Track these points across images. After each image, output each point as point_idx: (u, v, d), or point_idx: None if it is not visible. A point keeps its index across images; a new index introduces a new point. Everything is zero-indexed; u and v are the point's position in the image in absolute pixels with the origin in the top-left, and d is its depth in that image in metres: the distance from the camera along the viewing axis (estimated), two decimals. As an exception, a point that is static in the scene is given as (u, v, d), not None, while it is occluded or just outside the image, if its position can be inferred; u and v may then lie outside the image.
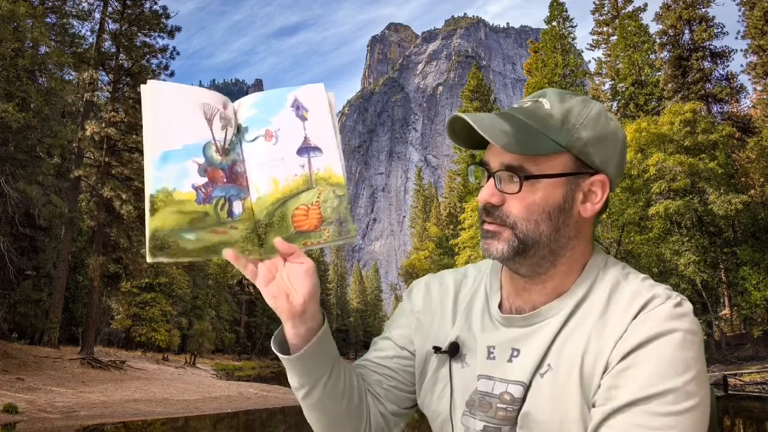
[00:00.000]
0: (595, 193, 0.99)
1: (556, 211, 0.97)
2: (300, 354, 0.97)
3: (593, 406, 0.91)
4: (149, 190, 0.87)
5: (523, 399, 0.97)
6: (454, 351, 1.07)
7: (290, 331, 0.97)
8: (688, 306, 0.92)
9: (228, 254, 0.90)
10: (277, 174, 0.96)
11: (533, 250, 0.98)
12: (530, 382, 0.97)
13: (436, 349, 1.08)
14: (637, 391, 0.86)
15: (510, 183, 0.97)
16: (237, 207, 0.93)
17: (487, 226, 1.00)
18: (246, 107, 1.00)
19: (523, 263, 0.99)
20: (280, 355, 0.99)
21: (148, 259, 0.86)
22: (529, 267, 1.00)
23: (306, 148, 0.97)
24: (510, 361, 1.00)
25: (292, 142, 0.97)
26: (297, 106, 1.00)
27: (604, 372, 0.91)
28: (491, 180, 0.98)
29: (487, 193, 0.98)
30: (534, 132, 0.95)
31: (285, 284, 0.94)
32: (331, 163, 0.98)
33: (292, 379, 1.02)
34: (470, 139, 1.03)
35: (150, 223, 0.86)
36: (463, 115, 0.95)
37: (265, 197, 0.95)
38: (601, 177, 0.99)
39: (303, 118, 0.99)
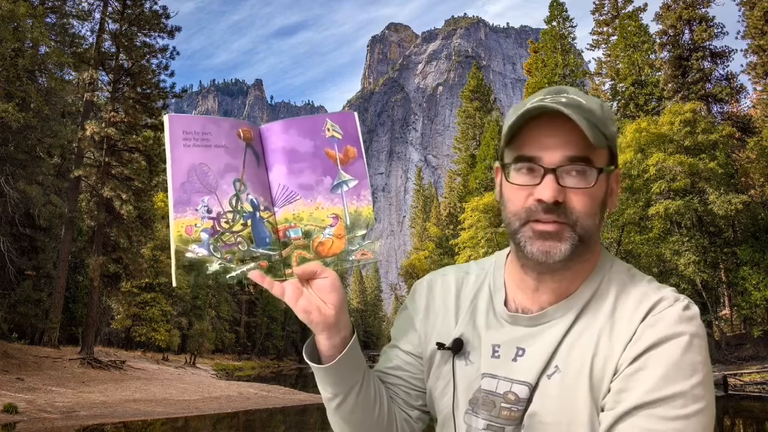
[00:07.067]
0: (614, 188, 1.02)
1: (602, 205, 0.98)
2: (336, 361, 0.98)
3: (602, 409, 0.91)
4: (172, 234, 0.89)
5: (529, 399, 0.97)
6: (457, 348, 1.06)
7: (325, 342, 0.98)
8: (695, 309, 0.92)
9: (254, 275, 0.91)
10: (304, 208, 0.96)
11: (584, 246, 0.96)
12: (536, 383, 0.96)
13: (440, 346, 1.07)
14: (646, 394, 0.86)
15: (573, 177, 0.94)
16: (261, 241, 0.94)
17: (545, 227, 0.95)
18: (279, 132, 0.99)
19: (567, 263, 0.97)
20: (315, 366, 1.00)
21: (175, 283, 0.88)
22: (567, 264, 0.97)
23: (338, 183, 0.98)
24: (515, 360, 1.00)
25: (322, 175, 0.98)
26: (330, 137, 0.99)
27: (614, 375, 0.91)
28: (550, 176, 0.93)
29: (555, 189, 0.93)
30: (593, 124, 0.93)
31: (314, 298, 0.95)
32: (362, 196, 0.98)
33: (326, 389, 1.03)
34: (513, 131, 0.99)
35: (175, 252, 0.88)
36: (566, 111, 0.90)
37: (293, 236, 0.96)
38: (618, 171, 1.02)
39: (334, 149, 0.99)
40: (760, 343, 29.05)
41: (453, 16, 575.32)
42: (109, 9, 31.58)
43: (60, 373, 23.21)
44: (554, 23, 42.34)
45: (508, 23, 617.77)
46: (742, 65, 43.19)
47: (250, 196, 0.94)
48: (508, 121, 0.99)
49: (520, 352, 1.00)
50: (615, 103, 38.41)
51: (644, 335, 0.90)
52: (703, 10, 35.78)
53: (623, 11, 41.30)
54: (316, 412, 21.11)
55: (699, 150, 29.16)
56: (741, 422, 18.29)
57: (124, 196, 28.19)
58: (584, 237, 0.95)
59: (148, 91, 31.75)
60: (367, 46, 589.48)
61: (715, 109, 35.37)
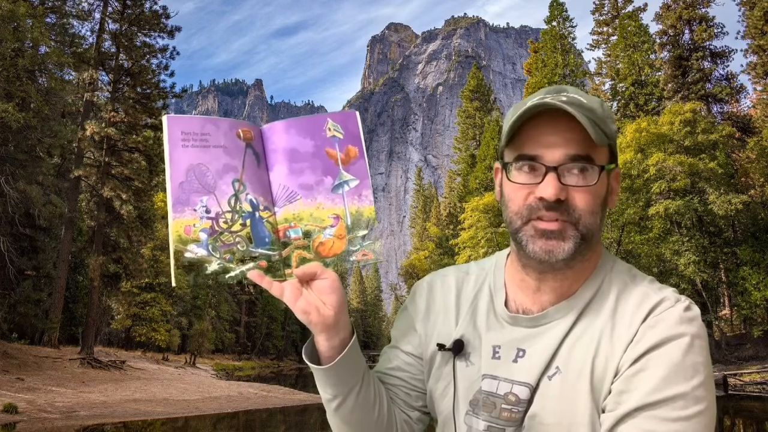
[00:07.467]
0: (614, 187, 1.02)
1: (603, 203, 0.98)
2: (335, 363, 0.97)
3: (603, 410, 0.91)
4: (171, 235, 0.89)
5: (530, 401, 0.96)
6: (458, 349, 1.06)
7: (324, 343, 0.97)
8: (696, 310, 0.91)
9: (253, 275, 0.91)
10: (305, 208, 0.96)
11: (586, 245, 0.96)
12: (537, 384, 0.96)
13: (440, 347, 1.07)
14: (647, 395, 0.85)
15: (575, 175, 0.94)
16: (261, 241, 0.94)
17: (547, 225, 0.94)
18: (280, 132, 0.99)
19: (569, 262, 0.96)
20: (314, 367, 0.99)
21: (174, 283, 0.89)
22: (569, 263, 0.97)
23: (339, 183, 0.97)
24: (515, 361, 1.00)
25: (323, 175, 0.97)
26: (331, 136, 0.99)
27: (615, 376, 0.91)
28: (552, 174, 0.93)
29: (557, 187, 0.92)
30: (594, 122, 0.93)
31: (313, 299, 0.94)
32: (363, 196, 0.98)
33: (325, 390, 1.02)
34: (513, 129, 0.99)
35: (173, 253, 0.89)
36: (568, 108, 0.90)
37: (293, 236, 0.96)
38: (618, 170, 1.02)
39: (335, 149, 0.99)
40: (760, 343, 29.05)
41: (453, 16, 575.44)
42: (109, 9, 31.58)
43: (60, 373, 23.21)
44: (554, 23, 42.34)
45: (508, 23, 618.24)
46: (742, 65, 43.21)
47: (249, 196, 0.94)
48: (508, 120, 0.98)
49: (521, 353, 1.00)
50: (615, 103, 38.41)
51: (645, 336, 0.90)
52: (703, 10, 35.79)
53: (623, 11, 41.30)
54: (316, 412, 21.11)
55: (699, 150, 29.16)
56: (741, 422, 18.28)
57: (124, 196, 28.19)
58: (587, 235, 0.95)
59: (148, 91, 31.75)
60: (367, 46, 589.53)
61: (715, 109, 35.37)
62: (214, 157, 0.92)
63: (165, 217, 46.06)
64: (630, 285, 0.98)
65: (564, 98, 0.94)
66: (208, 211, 0.90)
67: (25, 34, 22.94)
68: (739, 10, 34.87)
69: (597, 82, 43.92)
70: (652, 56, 37.32)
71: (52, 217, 26.44)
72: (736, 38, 35.14)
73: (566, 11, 42.67)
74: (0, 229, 23.06)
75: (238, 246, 0.91)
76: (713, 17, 35.82)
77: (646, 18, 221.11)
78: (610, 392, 0.91)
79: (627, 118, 35.56)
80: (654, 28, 61.15)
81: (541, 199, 0.94)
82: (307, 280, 0.95)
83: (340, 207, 0.97)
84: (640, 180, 29.81)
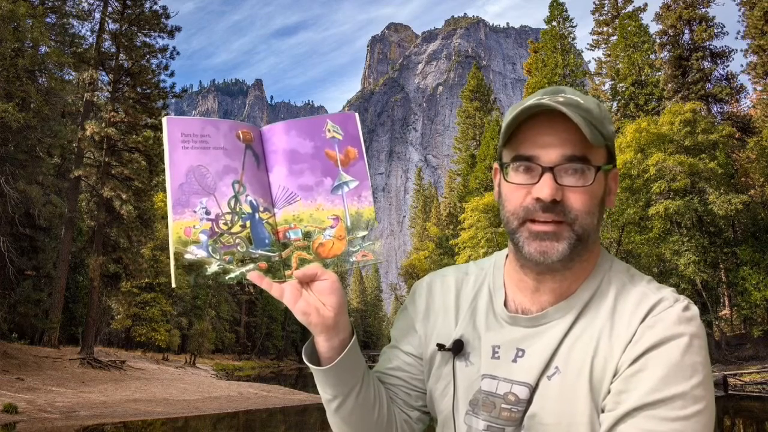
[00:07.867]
0: (612, 187, 1.02)
1: (601, 204, 0.98)
2: (335, 364, 0.98)
3: (603, 410, 0.91)
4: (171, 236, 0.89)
5: (529, 400, 0.96)
6: (458, 349, 1.06)
7: (324, 344, 0.98)
8: (695, 310, 0.92)
9: (253, 276, 0.91)
10: (305, 209, 0.97)
11: (583, 245, 0.96)
12: (537, 384, 0.96)
13: (440, 347, 1.07)
14: (646, 395, 0.86)
15: (571, 176, 0.94)
16: (260, 243, 0.94)
17: (542, 227, 0.95)
18: (280, 134, 0.99)
19: (566, 263, 0.97)
20: (314, 368, 1.00)
21: (174, 284, 0.89)
22: (566, 264, 0.97)
23: (338, 184, 0.98)
24: (515, 361, 1.00)
25: (322, 176, 0.98)
26: (330, 137, 0.99)
27: (614, 376, 0.91)
28: (548, 175, 0.93)
29: (553, 187, 0.92)
30: (590, 123, 0.93)
31: (313, 300, 0.95)
32: (363, 197, 0.98)
33: (325, 390, 1.02)
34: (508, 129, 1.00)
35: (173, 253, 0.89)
36: (563, 109, 0.91)
37: (293, 237, 0.97)
38: (616, 170, 1.02)
39: (334, 150, 0.99)
40: (760, 343, 29.04)
41: (453, 16, 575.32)
42: (109, 9, 31.57)
43: (60, 373, 23.21)
44: (554, 23, 42.33)
45: (508, 23, 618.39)
46: (742, 65, 43.21)
47: (249, 198, 0.94)
48: (506, 121, 0.98)
49: (520, 353, 1.00)
50: (615, 103, 38.40)
51: (644, 336, 0.90)
52: (703, 10, 35.77)
53: (623, 11, 41.30)
54: (316, 412, 21.11)
55: (699, 150, 29.15)
56: (741, 422, 18.28)
57: (124, 196, 28.19)
58: (583, 236, 0.95)
59: (148, 91, 31.75)
60: (367, 46, 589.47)
61: (715, 109, 35.36)
62: (214, 158, 0.92)
63: (165, 217, 46.01)
64: (628, 285, 0.99)
65: (561, 99, 0.94)
66: (208, 213, 0.91)
67: (25, 34, 22.93)
68: (739, 10, 34.87)
69: (597, 82, 43.91)
70: (652, 56, 37.31)
71: (52, 217, 26.45)
72: (736, 38, 35.13)
73: (566, 11, 42.67)
74: (0, 229, 23.06)
75: (238, 247, 0.92)
76: (713, 17, 35.81)
77: (646, 18, 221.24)
78: (609, 392, 0.91)
79: (627, 118, 35.55)
80: (654, 28, 61.21)
81: (537, 199, 0.94)
82: (307, 282, 0.95)
83: (339, 208, 0.97)
84: (640, 180, 29.80)
